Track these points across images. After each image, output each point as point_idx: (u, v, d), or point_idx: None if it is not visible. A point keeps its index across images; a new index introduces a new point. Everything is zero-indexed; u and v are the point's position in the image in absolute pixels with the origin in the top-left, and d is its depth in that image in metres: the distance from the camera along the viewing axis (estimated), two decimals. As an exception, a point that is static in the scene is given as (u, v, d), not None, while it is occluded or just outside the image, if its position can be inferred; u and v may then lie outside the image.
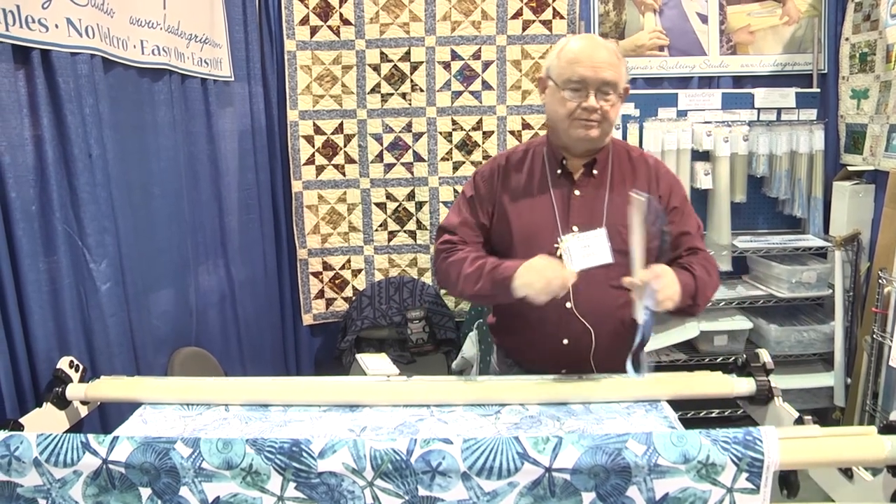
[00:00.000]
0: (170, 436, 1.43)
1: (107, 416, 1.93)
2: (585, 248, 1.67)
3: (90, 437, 1.22)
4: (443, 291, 3.70)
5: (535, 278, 1.57)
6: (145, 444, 1.20)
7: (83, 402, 1.69)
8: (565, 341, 1.77)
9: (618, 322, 1.75)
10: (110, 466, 1.20)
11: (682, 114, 3.47)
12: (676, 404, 1.64)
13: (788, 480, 1.32)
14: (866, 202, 3.35)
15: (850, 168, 3.41)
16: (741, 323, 3.34)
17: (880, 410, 2.88)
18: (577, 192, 1.78)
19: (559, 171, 1.80)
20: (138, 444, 1.20)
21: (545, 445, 1.17)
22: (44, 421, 1.58)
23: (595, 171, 1.79)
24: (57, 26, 1.82)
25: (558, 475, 1.17)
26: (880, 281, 2.85)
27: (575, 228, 1.73)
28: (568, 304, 1.73)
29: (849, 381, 3.25)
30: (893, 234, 2.84)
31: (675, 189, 1.83)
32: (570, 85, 1.68)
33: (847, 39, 3.47)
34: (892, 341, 2.71)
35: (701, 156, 3.43)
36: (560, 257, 1.70)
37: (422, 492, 1.18)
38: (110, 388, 1.68)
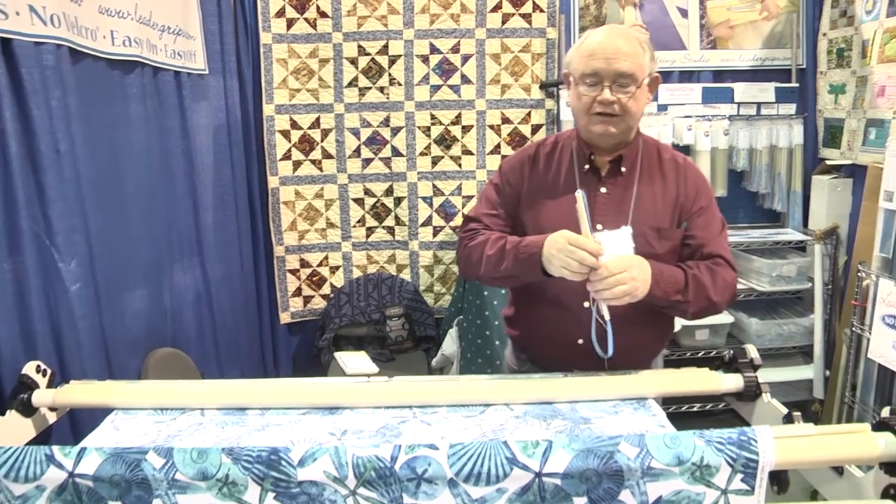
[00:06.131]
0: (143, 443, 1.38)
1: (78, 423, 1.86)
2: (608, 247, 1.63)
3: (55, 449, 1.15)
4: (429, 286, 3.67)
5: (567, 259, 1.50)
6: (115, 455, 1.14)
7: (51, 409, 1.63)
8: (580, 341, 1.72)
9: (637, 326, 1.71)
10: (77, 480, 1.14)
11: (662, 108, 3.46)
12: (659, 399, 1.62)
13: (779, 477, 1.30)
14: (844, 196, 3.36)
15: (828, 162, 3.42)
16: (722, 317, 3.33)
17: (859, 402, 2.89)
18: (603, 190, 1.74)
19: (587, 167, 1.75)
20: (107, 456, 1.14)
21: (535, 450, 1.13)
22: (8, 430, 1.51)
23: (623, 169, 1.74)
24: (18, 14, 1.74)
25: (549, 480, 1.13)
26: (859, 274, 2.86)
27: (599, 227, 1.68)
28: (585, 304, 1.67)
29: (828, 373, 3.27)
30: (872, 227, 2.85)
31: (701, 190, 1.77)
32: (586, 79, 1.64)
33: (824, 35, 3.47)
34: (870, 334, 2.72)
35: (682, 150, 3.38)
36: None
37: (407, 500, 1.14)
38: (80, 393, 1.61)
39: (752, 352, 1.66)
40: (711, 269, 1.68)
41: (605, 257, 1.52)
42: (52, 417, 1.65)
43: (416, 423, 1.48)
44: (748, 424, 1.65)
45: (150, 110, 2.48)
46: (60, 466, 1.14)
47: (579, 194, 1.54)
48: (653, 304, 1.64)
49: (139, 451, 1.15)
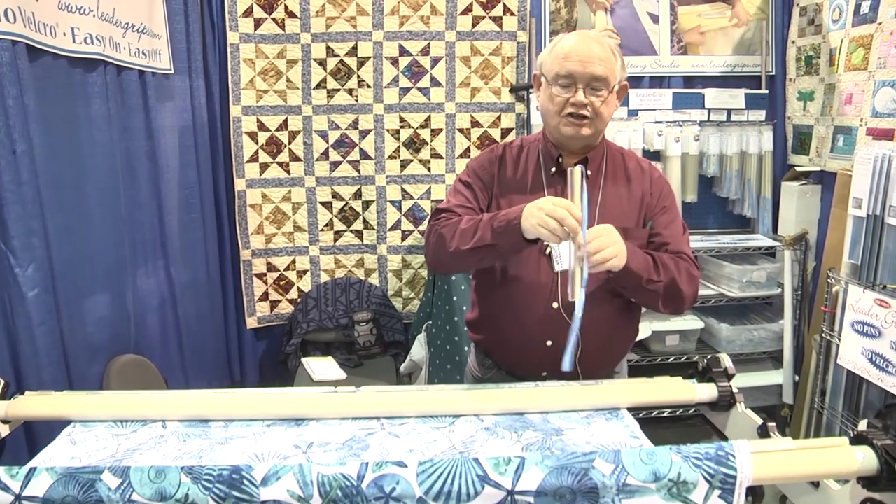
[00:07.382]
0: (101, 457, 1.32)
1: (34, 436, 1.80)
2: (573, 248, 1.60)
3: (0, 470, 1.09)
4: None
5: (547, 217, 1.44)
6: (67, 475, 1.08)
7: (4, 422, 1.56)
8: (549, 343, 1.70)
9: (607, 326, 1.71)
10: (25, 503, 1.08)
11: (633, 113, 3.45)
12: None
13: (754, 489, 1.28)
14: (813, 202, 3.39)
15: (797, 168, 3.44)
16: (693, 322, 3.33)
17: (828, 408, 2.91)
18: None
19: (553, 170, 1.76)
20: (59, 476, 1.08)
21: (507, 467, 1.10)
22: (-44, 445, 1.45)
23: (588, 172, 1.74)
24: (-31, 9, 1.69)
25: (521, 498, 1.09)
26: (829, 280, 2.87)
27: None
28: (555, 304, 1.67)
29: (797, 378, 3.28)
30: (841, 234, 2.86)
31: (665, 192, 1.80)
32: (560, 80, 1.65)
33: (793, 42, 3.50)
34: (839, 340, 2.73)
35: (652, 155, 3.41)
36: (549, 256, 1.65)
37: (375, 519, 1.10)
38: (35, 405, 1.54)
39: (726, 361, 1.64)
40: (675, 260, 1.68)
41: (570, 259, 1.48)
42: (4, 430, 1.57)
43: (384, 435, 1.44)
44: (719, 431, 1.65)
45: (112, 110, 2.42)
46: (6, 489, 1.07)
47: (577, 168, 1.50)
48: (626, 288, 1.65)
49: (93, 470, 1.09)
